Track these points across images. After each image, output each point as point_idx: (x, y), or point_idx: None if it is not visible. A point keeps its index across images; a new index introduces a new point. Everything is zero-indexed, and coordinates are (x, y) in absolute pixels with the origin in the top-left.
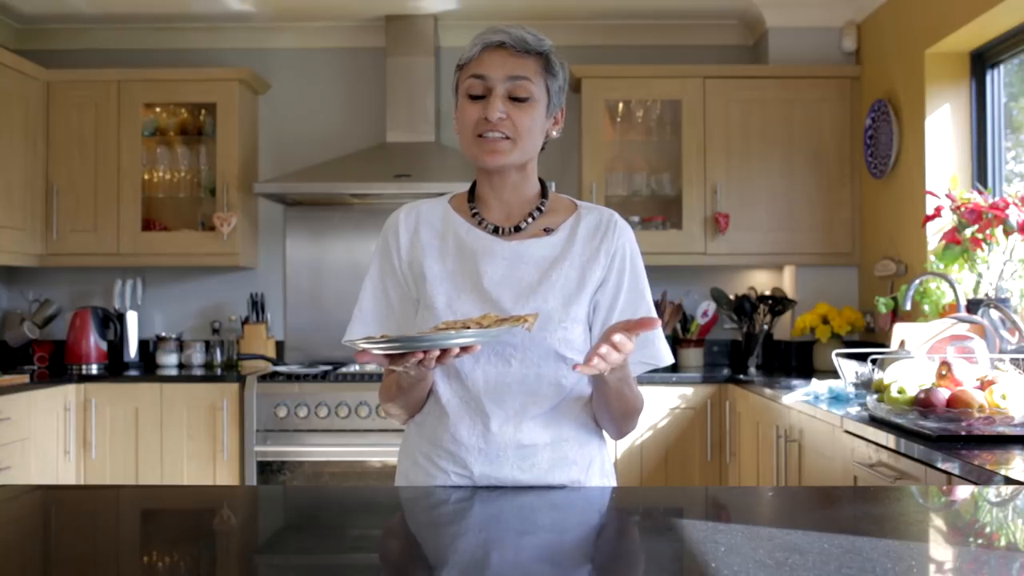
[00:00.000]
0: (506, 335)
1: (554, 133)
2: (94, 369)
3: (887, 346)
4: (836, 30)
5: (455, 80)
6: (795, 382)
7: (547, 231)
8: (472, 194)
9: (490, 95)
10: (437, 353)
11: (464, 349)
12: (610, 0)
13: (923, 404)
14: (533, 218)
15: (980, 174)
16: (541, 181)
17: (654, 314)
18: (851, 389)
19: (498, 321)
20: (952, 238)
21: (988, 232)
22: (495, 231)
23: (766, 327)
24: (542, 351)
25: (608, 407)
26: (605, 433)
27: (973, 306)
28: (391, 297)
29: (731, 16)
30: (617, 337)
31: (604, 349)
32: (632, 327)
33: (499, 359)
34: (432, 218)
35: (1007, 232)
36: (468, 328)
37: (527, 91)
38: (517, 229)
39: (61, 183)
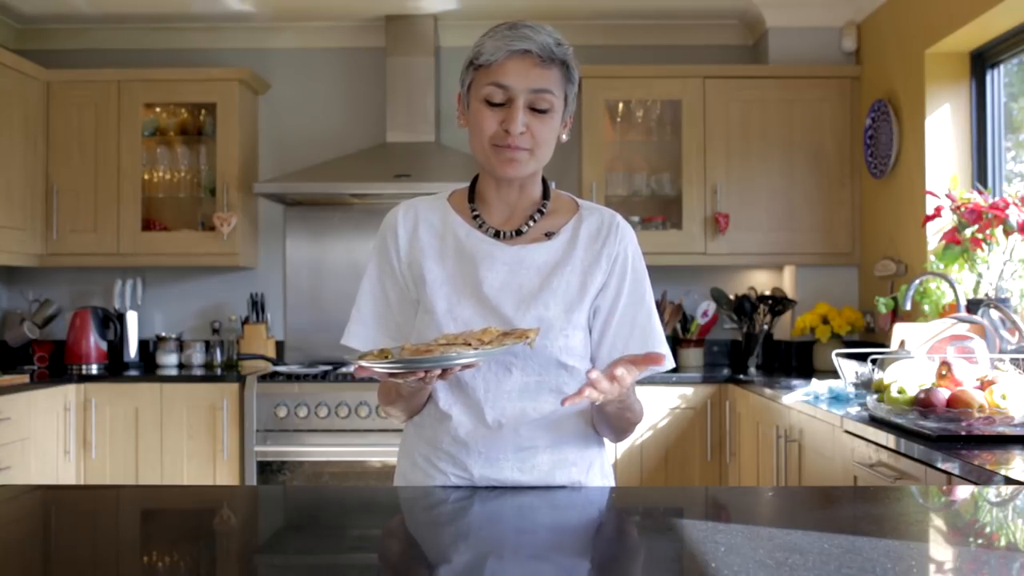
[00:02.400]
0: (508, 352)
1: (563, 137)
2: (94, 369)
3: (887, 346)
4: (836, 30)
5: (469, 77)
6: (795, 382)
7: (548, 235)
8: (472, 191)
9: (511, 105)
10: (438, 372)
11: (466, 365)
12: (610, 0)
13: (923, 404)
14: (535, 220)
15: (980, 174)
16: (544, 181)
17: (654, 318)
18: (851, 389)
19: (500, 336)
20: (952, 238)
21: (988, 232)
22: (496, 235)
23: (766, 327)
24: (543, 359)
25: (608, 425)
26: None
27: (973, 306)
28: (390, 298)
29: (731, 16)
30: (619, 371)
31: (595, 375)
32: (639, 361)
33: (499, 367)
34: (431, 217)
35: (1007, 232)
36: (469, 344)
37: (549, 103)
38: (518, 232)
39: (61, 183)
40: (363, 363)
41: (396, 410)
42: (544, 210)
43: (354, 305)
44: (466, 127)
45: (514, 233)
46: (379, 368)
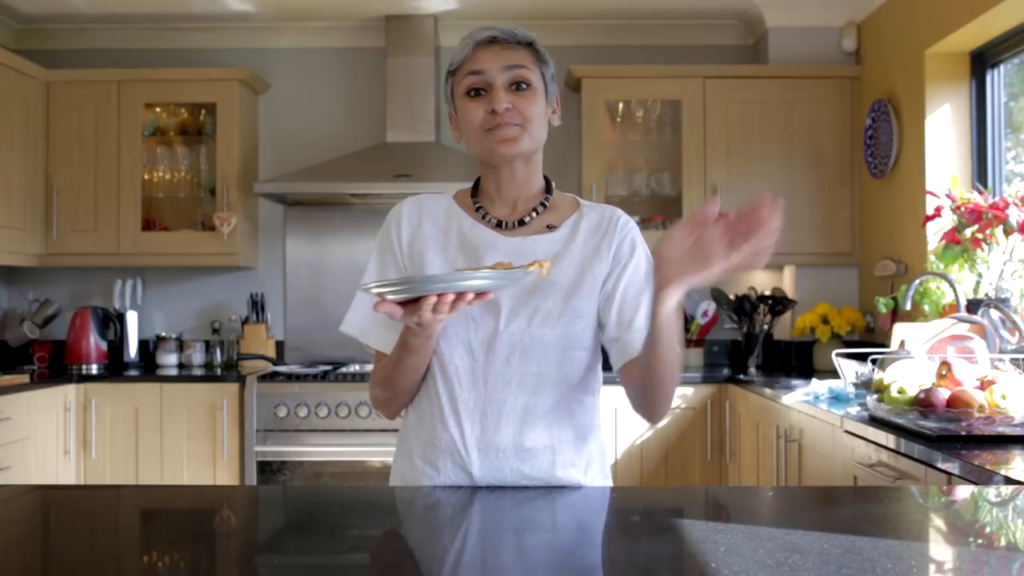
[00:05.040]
0: (520, 277)
1: (555, 121)
2: (94, 369)
3: (887, 346)
4: (836, 30)
5: (449, 86)
6: (795, 382)
7: (550, 228)
8: (475, 190)
9: (491, 89)
10: (452, 297)
11: (478, 296)
12: (610, 0)
13: (923, 404)
14: (537, 213)
15: (980, 174)
16: (546, 178)
17: None
18: (851, 389)
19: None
20: (952, 238)
21: (988, 232)
22: (498, 225)
23: (766, 327)
24: (543, 348)
25: (658, 363)
26: (602, 435)
27: (973, 306)
28: None
29: (731, 16)
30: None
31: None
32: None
33: (499, 357)
34: (436, 213)
35: (1007, 232)
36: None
37: (526, 78)
38: (521, 223)
39: (61, 183)
40: (376, 289)
41: (390, 391)
42: (547, 203)
43: (356, 294)
44: (460, 139)
45: (517, 223)
46: (391, 294)
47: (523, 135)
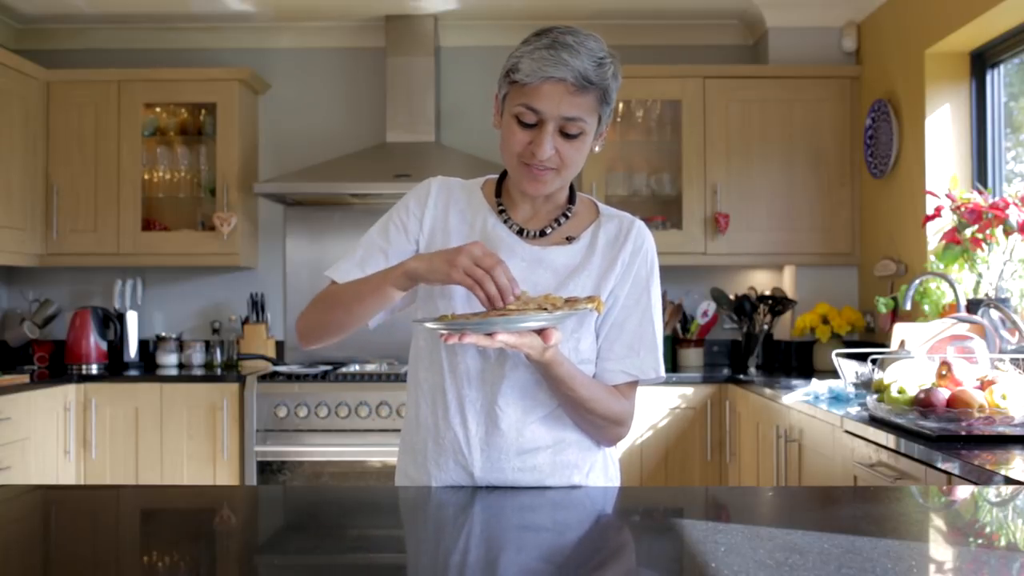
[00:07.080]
0: (580, 313)
1: (596, 149)
2: (94, 369)
3: (887, 346)
4: (836, 30)
5: (504, 88)
6: (795, 382)
7: (569, 239)
8: (500, 187)
9: (541, 128)
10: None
11: (540, 329)
12: (610, 0)
13: (923, 404)
14: (559, 223)
15: (980, 174)
16: (571, 187)
17: (649, 325)
18: (851, 389)
19: (567, 303)
20: (952, 238)
21: (988, 232)
22: (520, 232)
23: (766, 327)
24: None
25: (562, 407)
26: None
27: (973, 306)
28: (389, 252)
29: (731, 16)
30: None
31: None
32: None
33: (509, 361)
34: (463, 203)
35: (1007, 232)
36: (545, 309)
37: (579, 128)
38: (542, 233)
39: (61, 183)
40: (431, 325)
41: (329, 315)
42: (569, 214)
43: (357, 244)
44: (499, 129)
45: (538, 233)
46: (434, 326)
47: (556, 179)
